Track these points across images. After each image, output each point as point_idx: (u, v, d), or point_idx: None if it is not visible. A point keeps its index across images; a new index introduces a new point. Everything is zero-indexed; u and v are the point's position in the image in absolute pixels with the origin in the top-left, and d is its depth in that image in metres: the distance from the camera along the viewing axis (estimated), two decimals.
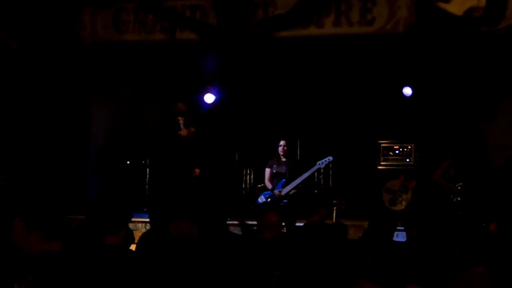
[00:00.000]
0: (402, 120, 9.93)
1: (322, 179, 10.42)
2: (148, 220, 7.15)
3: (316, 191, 10.01)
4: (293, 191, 8.22)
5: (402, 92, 9.21)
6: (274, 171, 8.33)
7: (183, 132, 7.88)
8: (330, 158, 8.25)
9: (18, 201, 2.96)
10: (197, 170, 7.73)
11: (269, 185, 8.34)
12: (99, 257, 3.37)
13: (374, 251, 4.55)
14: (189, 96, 9.52)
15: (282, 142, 8.39)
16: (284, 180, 8.16)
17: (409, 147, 9.64)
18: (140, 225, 8.35)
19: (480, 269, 3.28)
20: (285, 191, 8.10)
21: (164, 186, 7.92)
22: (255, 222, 5.61)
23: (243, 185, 10.69)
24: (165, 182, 7.92)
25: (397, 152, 9.77)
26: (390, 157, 9.76)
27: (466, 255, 3.32)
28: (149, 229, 6.00)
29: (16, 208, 2.92)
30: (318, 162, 8.25)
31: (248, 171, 10.74)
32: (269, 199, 8.17)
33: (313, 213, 5.59)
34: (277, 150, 8.41)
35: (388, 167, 9.68)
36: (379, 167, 9.89)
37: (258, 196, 8.42)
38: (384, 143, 9.87)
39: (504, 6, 7.26)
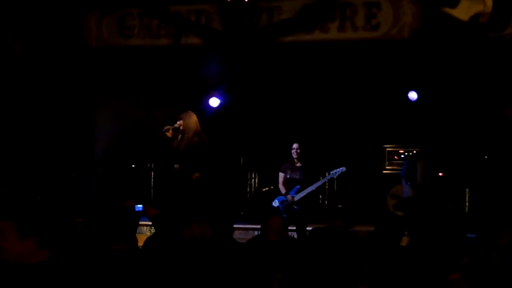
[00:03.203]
0: (407, 125, 9.92)
1: (327, 183, 10.42)
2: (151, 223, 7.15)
3: (320, 196, 10.03)
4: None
5: (407, 97, 9.18)
6: (288, 176, 8.28)
7: (169, 133, 7.90)
8: (343, 168, 8.17)
9: (14, 205, 2.77)
10: (196, 174, 7.73)
11: (283, 189, 8.29)
12: (106, 263, 3.39)
13: (372, 256, 4.55)
14: (194, 100, 9.53)
15: (295, 145, 8.25)
16: (298, 186, 8.11)
17: (414, 151, 9.62)
18: (144, 228, 8.35)
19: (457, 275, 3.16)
20: (298, 197, 8.06)
21: (168, 190, 7.94)
22: None
23: (248, 189, 10.71)
24: (168, 186, 7.94)
25: (402, 156, 9.76)
26: (395, 162, 9.74)
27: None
28: (154, 233, 5.98)
29: (11, 212, 2.72)
30: (331, 172, 8.19)
31: (253, 175, 10.76)
32: (283, 203, 8.16)
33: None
34: (291, 153, 8.31)
35: (393, 172, 9.67)
36: (384, 172, 9.89)
37: (272, 200, 8.39)
38: (389, 148, 9.86)
39: (510, 12, 7.23)
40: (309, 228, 7.91)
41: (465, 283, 3.04)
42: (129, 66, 9.11)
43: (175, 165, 7.85)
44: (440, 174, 8.95)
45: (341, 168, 8.17)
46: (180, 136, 7.93)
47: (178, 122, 7.91)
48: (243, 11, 7.93)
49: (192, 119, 7.95)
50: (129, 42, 8.61)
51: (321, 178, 8.49)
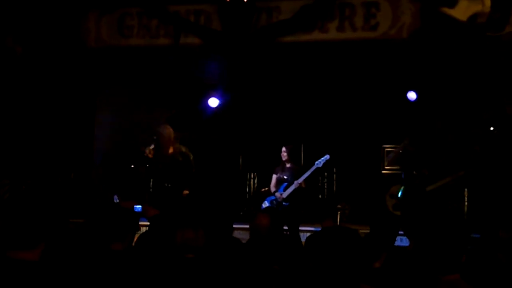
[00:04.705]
0: (406, 125, 9.91)
1: (326, 183, 10.43)
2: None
3: (320, 197, 10.04)
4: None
5: (406, 97, 9.18)
6: (279, 177, 8.38)
7: (150, 155, 7.95)
8: (327, 156, 8.26)
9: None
10: (186, 192, 7.81)
11: (273, 190, 8.40)
12: (103, 263, 3.40)
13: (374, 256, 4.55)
14: (193, 100, 9.54)
15: (283, 149, 8.41)
16: (285, 183, 8.22)
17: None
18: (144, 228, 8.35)
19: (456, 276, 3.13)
20: (286, 193, 8.14)
21: (163, 193, 7.96)
22: None
23: (247, 189, 10.71)
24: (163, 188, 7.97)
25: None
26: None
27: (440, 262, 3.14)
28: (147, 230, 5.97)
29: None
30: (316, 162, 8.27)
31: (252, 175, 10.76)
32: (273, 203, 8.23)
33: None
34: (281, 156, 8.45)
35: (392, 172, 9.67)
36: (383, 172, 9.89)
37: (263, 202, 8.47)
38: (388, 148, 9.86)
39: (508, 11, 7.25)
40: (302, 228, 8.01)
41: (465, 283, 3.02)
42: (128, 67, 9.12)
43: (166, 184, 7.93)
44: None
45: (325, 157, 8.24)
46: (160, 151, 7.91)
47: (154, 138, 7.88)
48: (242, 11, 7.95)
49: (167, 132, 7.90)
50: (129, 42, 8.63)
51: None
